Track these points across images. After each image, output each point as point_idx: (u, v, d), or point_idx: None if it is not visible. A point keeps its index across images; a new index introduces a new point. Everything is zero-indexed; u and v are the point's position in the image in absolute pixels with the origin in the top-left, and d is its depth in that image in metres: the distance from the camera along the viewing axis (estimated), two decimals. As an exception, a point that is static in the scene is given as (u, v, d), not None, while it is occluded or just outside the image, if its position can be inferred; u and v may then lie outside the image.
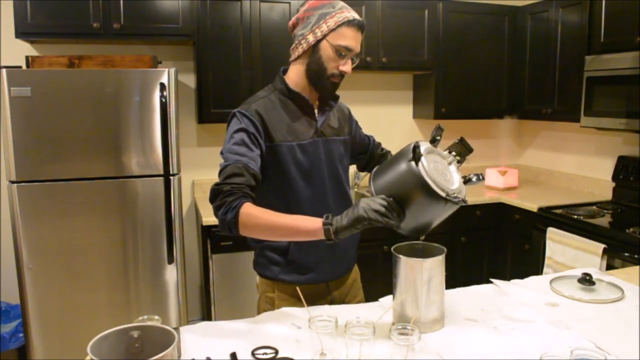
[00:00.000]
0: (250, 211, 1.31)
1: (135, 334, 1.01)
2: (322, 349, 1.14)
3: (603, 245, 2.48)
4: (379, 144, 1.85)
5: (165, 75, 2.52)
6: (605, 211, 2.91)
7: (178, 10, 2.83)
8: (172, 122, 2.56)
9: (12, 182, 2.40)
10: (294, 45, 1.53)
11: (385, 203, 1.23)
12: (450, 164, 1.37)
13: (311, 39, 1.46)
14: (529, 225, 3.05)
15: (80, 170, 2.48)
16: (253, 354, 1.20)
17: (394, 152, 1.53)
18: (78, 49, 2.99)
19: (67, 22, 2.66)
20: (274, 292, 1.59)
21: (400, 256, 1.31)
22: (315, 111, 1.57)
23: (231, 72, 3.00)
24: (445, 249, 1.35)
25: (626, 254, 2.40)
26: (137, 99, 2.51)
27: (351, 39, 1.45)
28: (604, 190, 3.30)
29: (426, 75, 3.57)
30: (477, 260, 3.40)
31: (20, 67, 2.46)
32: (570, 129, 3.59)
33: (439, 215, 1.28)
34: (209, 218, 2.78)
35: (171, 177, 2.58)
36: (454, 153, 1.39)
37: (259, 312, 1.61)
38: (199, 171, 3.39)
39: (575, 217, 2.78)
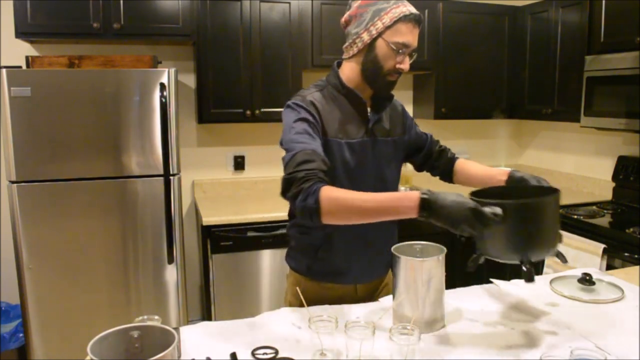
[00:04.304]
0: (331, 194, 1.23)
1: (135, 334, 1.01)
2: (322, 349, 1.14)
3: (603, 245, 2.48)
4: (437, 141, 1.75)
5: (165, 75, 2.52)
6: (605, 211, 2.91)
7: (178, 10, 2.83)
8: (172, 122, 2.56)
9: (12, 182, 2.40)
10: (347, 43, 1.47)
11: (499, 216, 1.15)
12: None
13: (366, 37, 1.40)
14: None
15: (80, 170, 2.48)
16: (253, 354, 1.20)
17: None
18: (78, 49, 2.99)
19: (67, 22, 2.66)
20: (301, 286, 1.59)
21: (400, 256, 1.31)
22: (368, 110, 1.51)
23: (231, 72, 3.00)
24: (445, 249, 1.35)
25: (626, 254, 2.40)
26: (137, 99, 2.51)
27: (408, 35, 1.39)
28: (604, 190, 3.30)
29: (426, 75, 3.57)
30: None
31: (20, 67, 2.46)
32: (570, 129, 3.59)
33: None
34: (209, 218, 2.78)
35: (171, 177, 2.58)
36: None
37: (285, 303, 1.63)
38: (199, 171, 3.39)
39: (575, 217, 2.78)
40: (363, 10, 1.41)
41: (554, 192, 1.32)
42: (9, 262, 2.86)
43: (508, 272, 3.28)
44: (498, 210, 1.16)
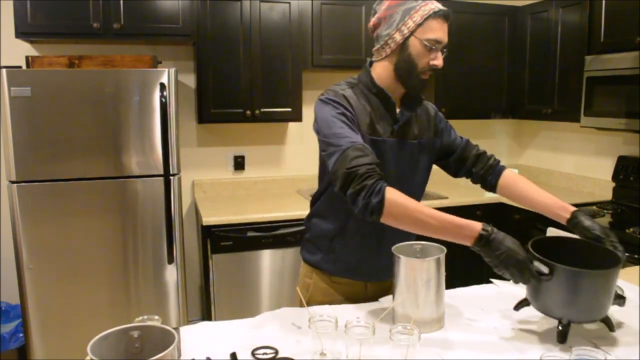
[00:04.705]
0: (397, 199, 1.26)
1: (135, 334, 1.00)
2: (322, 349, 1.14)
3: (603, 245, 2.48)
4: (475, 146, 1.69)
5: (165, 75, 2.52)
6: (605, 211, 2.91)
7: (178, 10, 2.82)
8: (172, 122, 2.56)
9: (12, 182, 2.40)
10: (379, 45, 1.46)
11: (544, 276, 1.20)
12: None
13: (398, 37, 1.41)
14: (529, 225, 3.05)
15: (80, 170, 2.48)
16: (253, 354, 1.20)
17: None
18: (78, 49, 2.99)
19: (67, 22, 2.66)
20: (312, 279, 1.61)
21: (400, 256, 1.31)
22: (397, 111, 1.50)
23: (231, 72, 3.00)
24: (445, 249, 1.35)
25: (626, 254, 2.40)
26: (137, 99, 2.50)
27: (439, 31, 1.39)
28: (604, 190, 3.30)
29: (426, 75, 3.57)
30: (477, 260, 3.39)
31: (20, 67, 2.46)
32: (570, 129, 3.59)
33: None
34: (209, 218, 2.78)
35: (171, 177, 2.58)
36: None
37: (298, 300, 1.64)
38: (199, 171, 3.39)
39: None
40: (392, 11, 1.42)
41: (616, 260, 1.27)
42: (9, 262, 2.86)
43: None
44: (544, 269, 1.21)
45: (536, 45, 3.42)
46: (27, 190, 2.42)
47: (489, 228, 1.23)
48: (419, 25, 1.38)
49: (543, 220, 2.92)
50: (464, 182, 3.75)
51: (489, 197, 3.35)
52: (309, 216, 1.66)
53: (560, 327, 1.21)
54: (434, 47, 1.40)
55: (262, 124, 3.41)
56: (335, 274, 1.58)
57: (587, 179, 3.48)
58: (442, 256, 1.32)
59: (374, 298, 1.57)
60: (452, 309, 1.44)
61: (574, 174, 3.60)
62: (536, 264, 1.21)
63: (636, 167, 3.01)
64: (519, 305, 1.35)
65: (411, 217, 1.26)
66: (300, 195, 3.37)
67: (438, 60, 1.42)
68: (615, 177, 3.15)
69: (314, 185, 3.78)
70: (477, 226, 1.23)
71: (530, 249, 1.26)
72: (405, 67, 1.43)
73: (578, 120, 2.99)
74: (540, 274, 1.20)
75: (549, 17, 3.27)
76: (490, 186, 1.64)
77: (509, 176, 1.62)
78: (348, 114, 1.40)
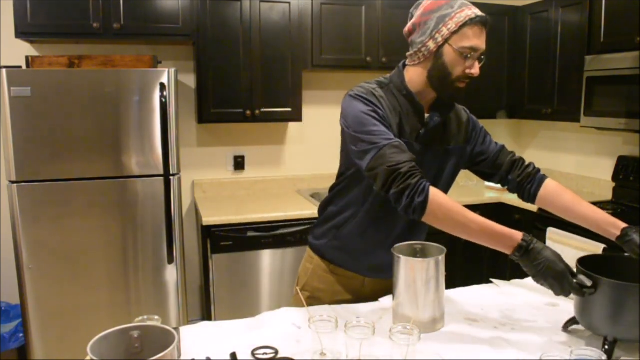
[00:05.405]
0: (441, 200, 1.26)
1: (135, 334, 1.00)
2: (322, 349, 1.14)
3: (603, 245, 2.46)
4: (512, 152, 1.62)
5: (165, 75, 2.52)
6: (605, 211, 2.90)
7: (178, 10, 2.83)
8: (172, 122, 2.56)
9: (12, 182, 2.40)
10: (412, 52, 1.43)
11: (587, 288, 1.18)
12: None
13: (432, 45, 1.37)
14: (529, 225, 3.05)
15: (80, 170, 2.48)
16: (253, 354, 1.20)
17: None
18: (78, 49, 2.99)
19: (67, 22, 2.66)
20: (312, 264, 1.62)
21: (400, 256, 1.31)
22: (426, 116, 1.47)
23: (231, 72, 3.00)
24: (445, 249, 1.35)
25: (626, 254, 2.39)
26: (137, 99, 2.50)
27: (475, 39, 1.34)
28: (604, 190, 3.30)
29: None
30: (477, 260, 3.40)
31: (20, 67, 2.46)
32: (570, 129, 3.59)
33: None
34: (209, 218, 2.78)
35: (171, 177, 2.58)
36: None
37: (298, 280, 1.67)
38: (199, 171, 3.39)
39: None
40: (427, 17, 1.37)
41: None
42: (9, 262, 2.86)
43: (508, 272, 3.29)
44: (587, 282, 1.18)
45: (536, 45, 3.42)
46: (27, 190, 2.42)
47: (529, 238, 1.22)
48: (454, 32, 1.34)
49: (543, 221, 2.92)
50: (464, 181, 3.76)
51: (488, 197, 3.35)
52: (325, 202, 1.64)
53: (606, 346, 1.17)
54: (469, 56, 1.35)
55: (262, 124, 3.40)
56: (335, 263, 1.59)
57: (587, 179, 3.48)
58: (442, 256, 1.32)
59: (371, 296, 1.57)
60: (452, 309, 1.44)
61: (574, 174, 3.60)
62: (581, 277, 1.19)
63: (636, 167, 3.01)
64: (567, 324, 1.31)
65: (453, 219, 1.27)
66: (300, 195, 3.37)
67: (474, 69, 1.37)
68: (615, 177, 3.15)
69: (314, 185, 3.80)
70: (517, 236, 1.23)
71: (577, 265, 1.25)
72: (439, 76, 1.39)
73: (578, 120, 2.99)
74: (583, 286, 1.18)
75: (549, 17, 3.26)
76: (530, 196, 1.57)
77: (552, 186, 1.55)
78: (380, 111, 1.38)
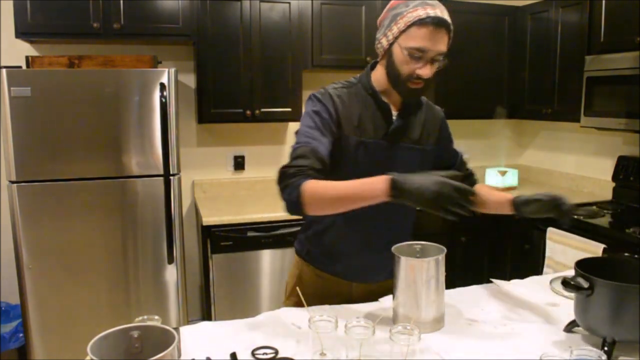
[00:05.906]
0: (311, 188, 1.28)
1: (135, 334, 1.00)
2: (322, 349, 1.14)
3: (603, 245, 2.48)
4: (466, 163, 1.66)
5: (165, 75, 2.52)
6: (605, 211, 2.91)
7: (178, 10, 2.83)
8: (172, 122, 2.56)
9: (12, 182, 2.40)
10: (375, 48, 1.47)
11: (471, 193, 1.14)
12: None
13: (385, 42, 1.39)
14: (529, 225, 3.05)
15: (80, 170, 2.48)
16: (253, 354, 1.20)
17: None
18: (78, 49, 2.99)
19: (67, 22, 2.66)
20: (299, 270, 1.62)
21: (400, 256, 1.31)
22: (394, 114, 1.48)
23: (231, 72, 3.00)
24: (445, 249, 1.35)
25: (626, 254, 2.40)
26: (137, 99, 2.51)
27: (423, 39, 1.32)
28: (604, 190, 3.30)
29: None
30: (477, 260, 3.40)
31: (20, 67, 2.46)
32: (570, 129, 3.59)
33: None
34: (209, 218, 2.78)
35: (171, 177, 2.58)
36: None
37: (286, 286, 1.67)
38: (199, 171, 3.39)
39: (575, 217, 2.77)
40: (386, 15, 1.41)
41: None
42: (9, 262, 2.85)
43: (508, 272, 3.29)
44: (584, 284, 1.18)
45: (536, 45, 3.42)
46: (27, 190, 2.42)
47: (395, 173, 1.21)
48: (403, 32, 1.34)
49: (543, 221, 2.92)
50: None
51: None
52: None
53: (605, 347, 1.17)
54: (416, 56, 1.34)
55: (262, 124, 3.41)
56: (320, 268, 1.59)
57: (587, 179, 3.48)
58: (442, 256, 1.32)
59: (360, 300, 1.56)
60: (452, 309, 1.44)
61: (574, 174, 3.60)
62: (578, 279, 1.19)
63: (636, 167, 3.01)
64: (569, 326, 1.31)
65: (327, 199, 1.28)
66: (300, 195, 3.37)
67: (423, 70, 1.35)
68: (615, 177, 3.15)
69: (314, 185, 3.76)
70: (385, 176, 1.21)
71: (576, 267, 1.25)
72: (391, 74, 1.41)
73: (578, 120, 2.99)
74: (579, 287, 1.18)
75: (549, 17, 3.26)
76: None
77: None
78: (325, 115, 1.41)
